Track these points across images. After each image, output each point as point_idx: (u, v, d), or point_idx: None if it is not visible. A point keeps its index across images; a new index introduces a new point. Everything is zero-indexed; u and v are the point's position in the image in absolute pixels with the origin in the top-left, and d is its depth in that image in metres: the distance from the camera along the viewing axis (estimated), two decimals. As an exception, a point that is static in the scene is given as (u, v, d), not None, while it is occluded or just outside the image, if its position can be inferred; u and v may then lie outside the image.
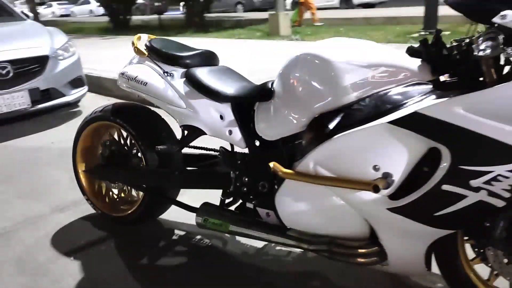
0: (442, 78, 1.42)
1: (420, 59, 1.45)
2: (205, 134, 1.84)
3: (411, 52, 1.45)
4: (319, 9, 17.19)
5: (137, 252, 2.09)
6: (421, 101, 1.36)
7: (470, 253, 1.50)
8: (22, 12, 5.30)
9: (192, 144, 1.99)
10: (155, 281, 1.88)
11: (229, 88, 1.78)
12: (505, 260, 1.44)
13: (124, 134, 2.15)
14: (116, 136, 2.20)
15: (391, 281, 1.78)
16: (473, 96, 1.26)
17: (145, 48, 1.97)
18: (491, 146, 1.24)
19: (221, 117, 1.78)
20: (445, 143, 1.30)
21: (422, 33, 8.39)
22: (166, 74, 1.87)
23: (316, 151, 1.49)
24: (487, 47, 1.21)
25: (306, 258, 1.94)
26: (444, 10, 9.73)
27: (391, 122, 1.35)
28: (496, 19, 1.26)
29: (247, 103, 1.77)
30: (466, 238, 1.50)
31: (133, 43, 1.99)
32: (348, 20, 11.87)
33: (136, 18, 17.54)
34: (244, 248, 2.04)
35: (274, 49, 7.42)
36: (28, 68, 4.03)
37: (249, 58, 6.43)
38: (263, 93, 1.72)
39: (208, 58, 1.98)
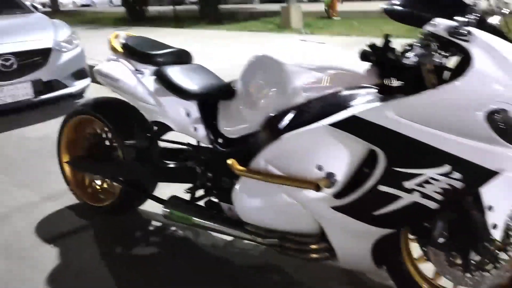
0: (389, 83, 1.46)
1: (370, 63, 1.49)
2: (173, 130, 1.92)
3: (362, 55, 1.50)
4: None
5: (113, 242, 2.19)
6: (362, 104, 1.40)
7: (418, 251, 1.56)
8: (32, 5, 5.44)
9: (172, 138, 2.07)
10: (126, 269, 1.98)
11: (196, 86, 1.86)
12: (445, 260, 1.49)
13: (104, 127, 2.24)
14: (97, 130, 2.30)
15: (347, 276, 1.83)
16: (404, 101, 1.31)
17: (121, 46, 2.05)
18: (421, 150, 1.29)
19: (188, 114, 1.86)
20: (380, 145, 1.35)
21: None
22: (137, 72, 1.96)
23: (267, 149, 1.56)
24: (415, 55, 1.24)
25: (270, 251, 2.01)
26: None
27: (332, 125, 1.41)
28: (428, 27, 1.30)
29: (212, 101, 1.84)
30: (411, 237, 1.55)
31: (109, 41, 2.08)
32: (365, 13, 11.75)
33: (153, 9, 17.69)
34: (213, 240, 2.12)
35: (280, 43, 7.43)
36: (32, 60, 4.17)
37: (248, 52, 6.47)
38: (226, 92, 1.79)
39: (181, 57, 2.06)
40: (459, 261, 1.48)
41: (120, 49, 2.05)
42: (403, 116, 1.31)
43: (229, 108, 1.78)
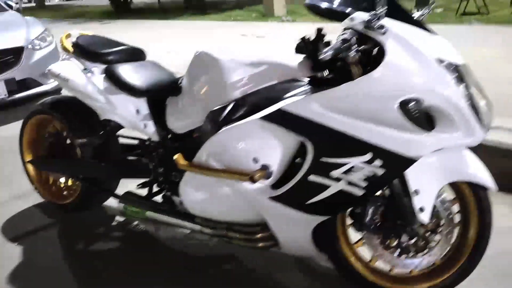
0: (320, 75, 1.51)
1: (303, 56, 1.53)
2: (124, 127, 1.96)
3: (297, 48, 1.53)
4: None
5: (77, 238, 2.24)
6: (291, 97, 1.45)
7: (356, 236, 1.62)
8: (5, 2, 5.41)
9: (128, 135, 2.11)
10: (89, 264, 2.04)
11: (145, 83, 1.89)
12: (379, 244, 1.56)
13: (62, 126, 2.28)
14: (56, 128, 2.34)
15: (302, 262, 1.90)
16: (327, 93, 1.36)
17: (71, 45, 2.08)
18: (345, 140, 1.35)
19: (137, 111, 1.90)
20: (308, 137, 1.41)
21: (415, 10, 8.30)
22: (86, 71, 1.99)
23: (207, 144, 1.61)
24: (331, 49, 1.28)
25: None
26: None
27: (263, 118, 1.45)
28: (347, 22, 1.34)
29: (161, 98, 1.88)
30: (349, 223, 1.61)
31: (60, 41, 2.10)
32: None
33: (139, 1, 17.56)
34: (174, 233, 2.17)
35: (261, 31, 7.42)
36: (3, 59, 4.18)
37: (227, 41, 6.47)
38: (174, 88, 1.83)
39: (133, 54, 2.09)
40: (392, 244, 1.55)
41: (70, 49, 2.07)
42: (326, 108, 1.35)
43: (176, 104, 1.82)
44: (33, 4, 24.80)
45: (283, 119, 1.42)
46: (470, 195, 1.50)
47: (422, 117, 1.30)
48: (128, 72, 1.93)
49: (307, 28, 7.00)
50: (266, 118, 1.45)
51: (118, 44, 2.13)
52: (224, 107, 1.58)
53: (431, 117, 1.33)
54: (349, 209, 1.56)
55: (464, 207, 1.54)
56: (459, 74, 1.35)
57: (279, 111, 1.42)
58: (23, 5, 23.56)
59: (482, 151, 2.36)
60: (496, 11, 7.41)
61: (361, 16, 1.33)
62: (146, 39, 7.15)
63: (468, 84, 1.36)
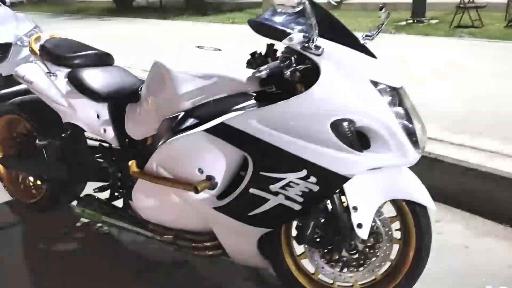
0: (267, 90, 1.53)
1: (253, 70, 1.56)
2: (85, 131, 2.00)
3: (247, 63, 1.57)
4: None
5: (39, 237, 2.28)
6: (235, 111, 1.48)
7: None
8: (-1, -2, 5.45)
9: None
10: (46, 264, 2.07)
11: (106, 89, 1.93)
12: (320, 258, 1.59)
13: (29, 126, 2.31)
14: (26, 128, 2.37)
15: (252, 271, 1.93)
16: (266, 110, 1.40)
17: (38, 48, 2.11)
18: (282, 156, 1.38)
19: (98, 116, 1.93)
20: (247, 151, 1.44)
21: (410, 21, 8.33)
22: (50, 74, 2.02)
23: (156, 152, 1.64)
24: (265, 69, 1.32)
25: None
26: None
27: (207, 130, 1.48)
28: (285, 41, 1.38)
29: (121, 104, 1.91)
30: (294, 235, 1.64)
31: (29, 43, 2.14)
32: (345, 4, 11.77)
33: (140, -1, 17.62)
34: (135, 237, 2.20)
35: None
36: (-9, 54, 4.22)
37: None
38: (134, 95, 1.86)
39: (100, 59, 2.13)
40: (333, 258, 1.58)
41: (37, 52, 2.11)
42: (264, 124, 1.39)
43: (135, 111, 1.86)
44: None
45: (225, 133, 1.45)
46: (409, 213, 1.53)
47: (354, 137, 1.34)
48: (90, 76, 1.97)
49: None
50: (209, 130, 1.48)
51: (86, 48, 2.17)
52: (175, 117, 1.62)
53: (367, 137, 1.37)
54: (294, 222, 1.60)
55: (404, 224, 1.57)
56: (394, 96, 1.39)
57: (221, 124, 1.45)
58: (25, -2, 23.69)
59: (443, 168, 2.42)
60: (490, 24, 7.45)
61: (299, 37, 1.36)
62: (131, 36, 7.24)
63: (403, 107, 1.40)
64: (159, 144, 1.64)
